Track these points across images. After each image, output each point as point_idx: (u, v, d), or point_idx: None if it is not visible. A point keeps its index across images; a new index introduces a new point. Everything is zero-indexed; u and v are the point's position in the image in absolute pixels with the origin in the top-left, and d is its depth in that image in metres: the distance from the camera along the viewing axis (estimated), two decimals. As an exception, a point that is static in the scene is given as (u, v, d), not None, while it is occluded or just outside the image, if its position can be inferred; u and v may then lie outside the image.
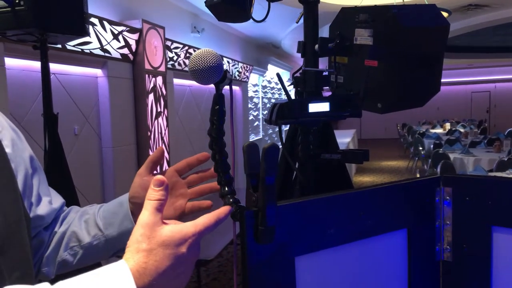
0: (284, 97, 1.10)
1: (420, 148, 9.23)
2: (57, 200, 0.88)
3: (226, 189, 0.75)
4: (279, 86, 9.92)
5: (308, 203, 0.74)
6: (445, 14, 5.29)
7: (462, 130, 11.32)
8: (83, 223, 0.86)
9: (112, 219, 0.84)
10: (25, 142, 0.81)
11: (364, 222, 0.80)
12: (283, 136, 1.19)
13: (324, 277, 0.77)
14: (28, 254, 0.68)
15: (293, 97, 1.16)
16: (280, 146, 1.04)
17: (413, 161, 10.26)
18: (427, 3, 5.24)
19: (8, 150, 0.72)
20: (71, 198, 2.13)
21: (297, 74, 1.22)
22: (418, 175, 7.94)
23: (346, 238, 0.79)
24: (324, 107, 1.06)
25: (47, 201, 0.83)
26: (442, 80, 1.23)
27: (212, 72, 0.69)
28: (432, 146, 8.63)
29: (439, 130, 12.36)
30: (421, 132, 11.17)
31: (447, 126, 12.61)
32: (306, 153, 1.22)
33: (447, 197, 0.88)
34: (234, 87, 5.68)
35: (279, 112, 1.04)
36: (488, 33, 10.26)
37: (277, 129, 1.08)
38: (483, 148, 7.55)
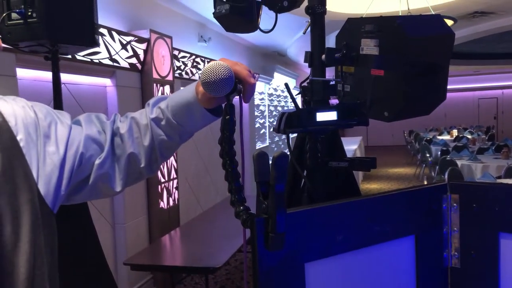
0: (290, 105, 1.12)
1: (427, 155, 9.17)
2: (90, 125, 0.91)
3: (237, 197, 0.77)
4: (285, 94, 9.94)
5: (317, 211, 0.76)
6: (451, 22, 5.29)
7: (469, 136, 11.24)
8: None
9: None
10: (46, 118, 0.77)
11: (372, 229, 0.82)
12: (290, 144, 1.20)
13: (333, 283, 0.78)
14: (42, 249, 0.68)
15: (300, 106, 1.18)
16: (288, 154, 1.06)
17: (420, 168, 10.20)
18: (432, 12, 5.21)
19: (22, 144, 0.69)
20: (82, 207, 2.15)
21: (305, 84, 1.24)
22: (425, 182, 7.89)
23: (354, 245, 0.80)
24: (331, 116, 1.08)
25: (84, 129, 0.87)
26: (449, 87, 1.25)
27: (224, 84, 0.72)
28: (439, 153, 8.58)
29: (446, 137, 12.28)
30: (428, 139, 11.10)
31: (455, 132, 12.53)
32: (314, 161, 1.23)
33: (454, 204, 0.89)
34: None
35: (287, 121, 1.06)
36: (494, 39, 10.23)
37: (283, 136, 1.10)
38: (491, 155, 7.49)
